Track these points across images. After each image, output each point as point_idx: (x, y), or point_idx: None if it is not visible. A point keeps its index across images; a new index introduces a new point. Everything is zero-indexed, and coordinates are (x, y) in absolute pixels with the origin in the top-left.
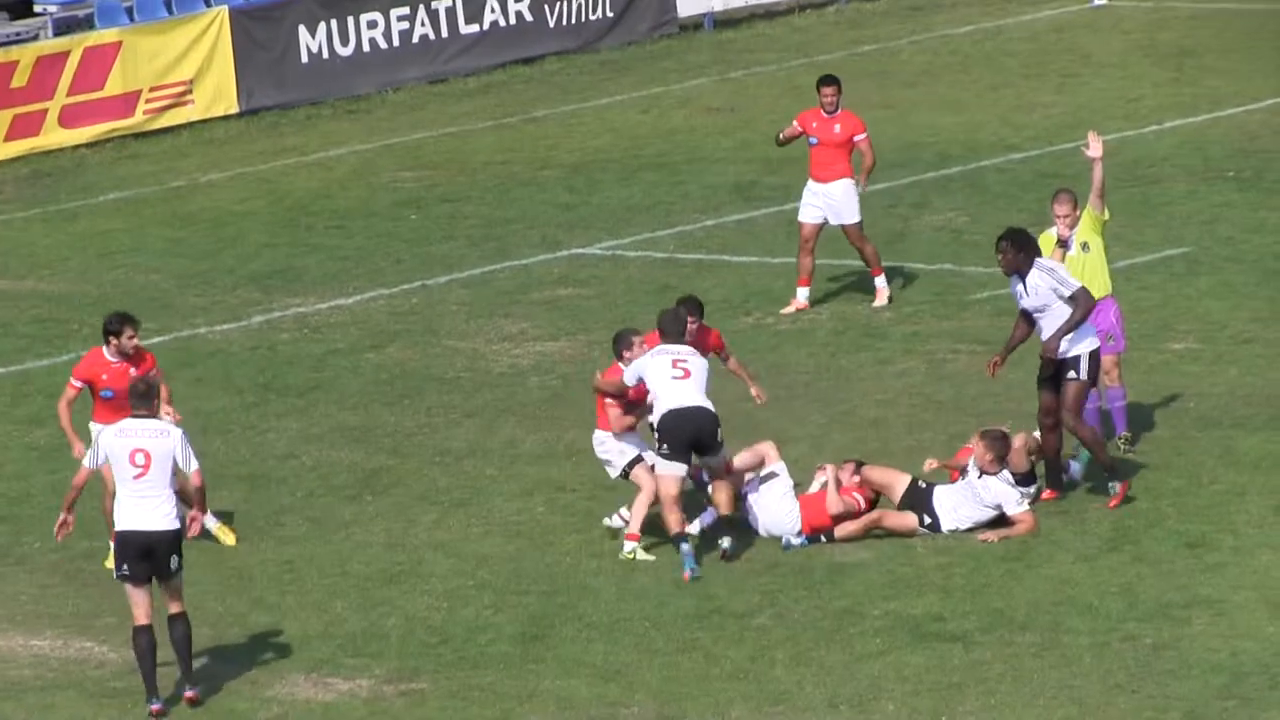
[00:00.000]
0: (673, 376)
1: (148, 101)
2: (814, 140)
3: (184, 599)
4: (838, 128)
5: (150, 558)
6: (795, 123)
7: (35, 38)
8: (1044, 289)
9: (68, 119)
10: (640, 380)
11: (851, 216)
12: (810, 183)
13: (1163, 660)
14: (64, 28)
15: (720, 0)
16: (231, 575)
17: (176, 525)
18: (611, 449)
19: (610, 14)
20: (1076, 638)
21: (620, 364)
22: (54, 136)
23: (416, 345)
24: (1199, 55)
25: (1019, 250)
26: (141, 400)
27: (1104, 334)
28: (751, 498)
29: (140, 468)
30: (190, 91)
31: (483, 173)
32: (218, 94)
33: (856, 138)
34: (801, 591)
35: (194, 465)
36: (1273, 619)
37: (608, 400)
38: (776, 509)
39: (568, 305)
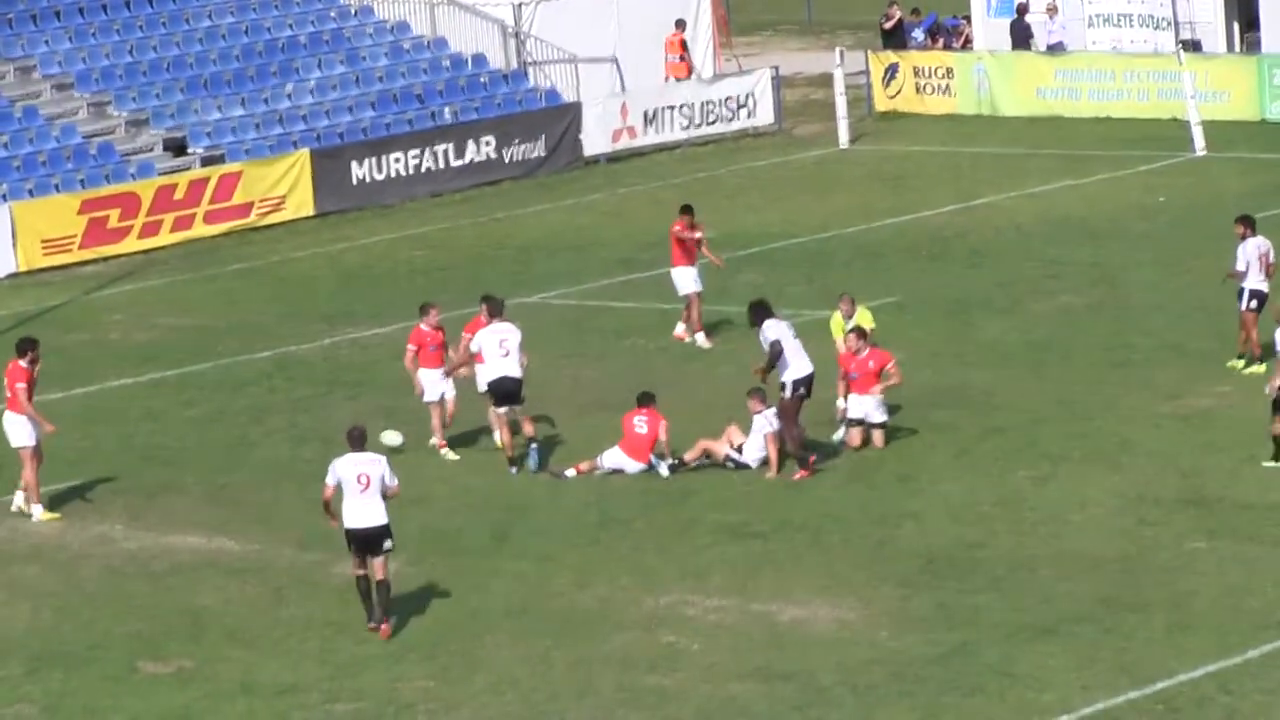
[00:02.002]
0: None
1: (258, 208)
2: (686, 237)
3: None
4: (695, 234)
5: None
6: (677, 226)
7: (189, 168)
8: (767, 338)
9: (209, 219)
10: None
11: (698, 285)
12: (674, 270)
13: (884, 549)
14: (208, 161)
15: (609, 146)
16: (307, 500)
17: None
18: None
19: (543, 154)
20: (831, 536)
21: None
22: (200, 230)
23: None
24: (906, 180)
25: (753, 313)
26: (356, 443)
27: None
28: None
29: (363, 485)
30: (284, 202)
31: (464, 252)
32: (301, 203)
33: (702, 242)
34: (664, 507)
35: (394, 481)
36: (954, 523)
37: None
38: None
39: (524, 332)
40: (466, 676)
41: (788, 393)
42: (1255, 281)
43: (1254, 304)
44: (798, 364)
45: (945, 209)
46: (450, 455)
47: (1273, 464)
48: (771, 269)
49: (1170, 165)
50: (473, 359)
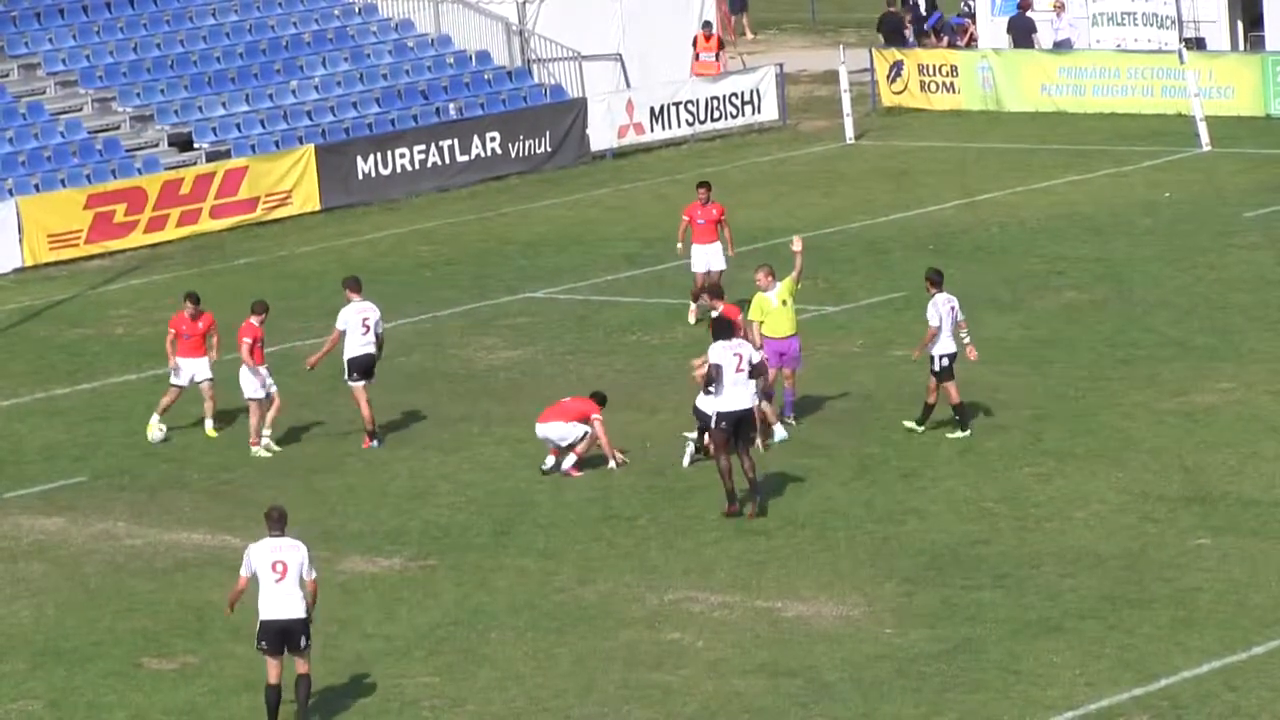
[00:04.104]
0: None
1: (264, 203)
2: (701, 220)
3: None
4: (712, 211)
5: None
6: (684, 215)
7: (195, 163)
8: (709, 359)
9: (215, 214)
10: None
11: (719, 265)
12: (695, 246)
13: (889, 546)
14: (213, 156)
15: (615, 141)
16: (312, 494)
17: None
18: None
19: (549, 149)
20: (835, 532)
21: None
22: (206, 224)
23: (429, 352)
24: (911, 175)
25: (711, 332)
26: (275, 525)
27: (791, 357)
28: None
29: (279, 574)
30: (290, 197)
31: (470, 247)
32: (307, 198)
33: (723, 217)
34: (668, 503)
35: (313, 574)
36: (958, 520)
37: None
38: None
39: (523, 328)
40: (470, 672)
41: (711, 423)
42: (946, 345)
43: (945, 363)
44: (730, 397)
45: (949, 204)
46: (263, 453)
47: (915, 426)
48: (776, 264)
49: (1175, 161)
50: (335, 335)
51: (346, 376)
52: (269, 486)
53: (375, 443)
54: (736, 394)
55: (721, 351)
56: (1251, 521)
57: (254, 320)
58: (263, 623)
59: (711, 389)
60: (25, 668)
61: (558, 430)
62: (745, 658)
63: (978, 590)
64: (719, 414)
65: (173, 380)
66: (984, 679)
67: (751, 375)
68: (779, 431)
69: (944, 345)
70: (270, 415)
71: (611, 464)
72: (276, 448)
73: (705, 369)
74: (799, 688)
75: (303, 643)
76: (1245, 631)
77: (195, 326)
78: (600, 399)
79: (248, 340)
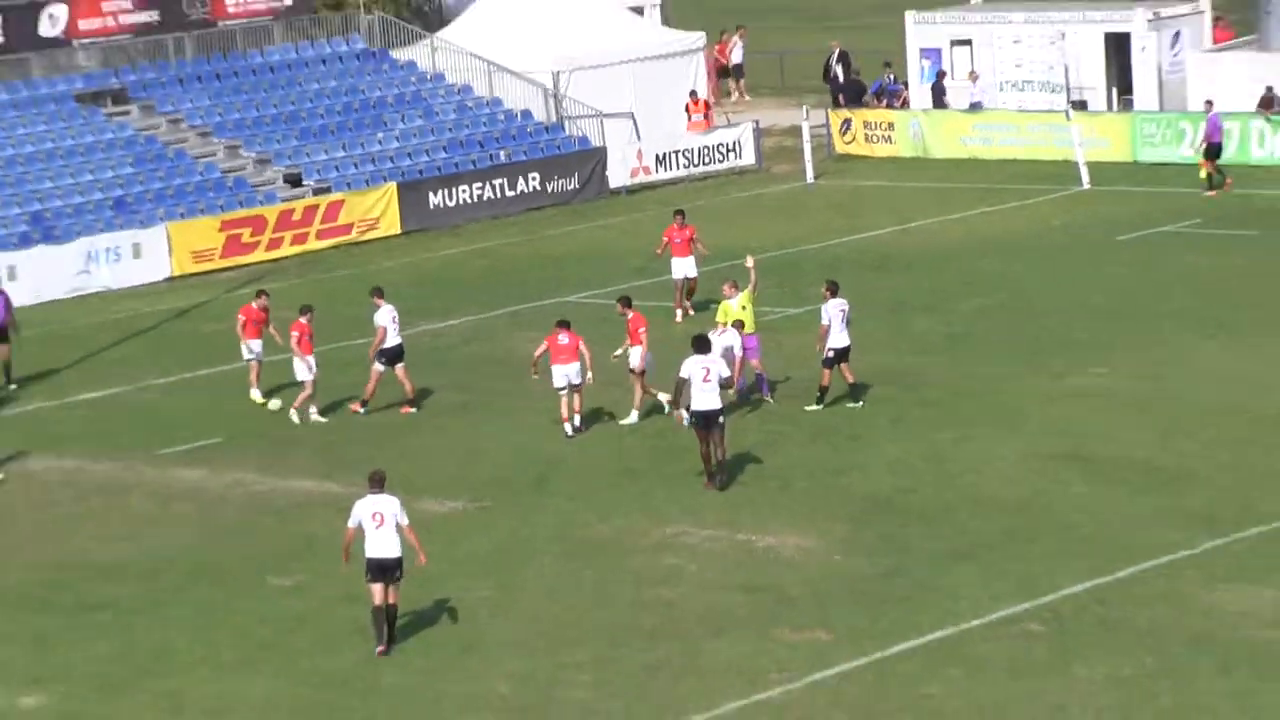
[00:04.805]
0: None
1: (357, 227)
2: (678, 240)
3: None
4: (685, 232)
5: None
6: (664, 236)
7: (303, 196)
8: (679, 373)
9: (319, 235)
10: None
11: (693, 274)
12: (674, 260)
13: (837, 493)
14: (318, 191)
15: (628, 180)
16: (395, 452)
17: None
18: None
19: (577, 186)
20: (797, 483)
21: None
22: (312, 244)
23: (485, 341)
24: (858, 207)
25: (693, 345)
26: (376, 485)
27: (752, 350)
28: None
29: (378, 522)
30: (377, 223)
31: (516, 262)
32: (390, 224)
33: (695, 236)
34: (669, 460)
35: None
36: (891, 474)
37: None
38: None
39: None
40: (517, 589)
41: (685, 421)
42: (838, 340)
43: (831, 355)
44: (701, 400)
45: (887, 230)
46: (318, 419)
47: (815, 407)
48: (738, 278)
49: (1063, 196)
50: (382, 331)
51: (385, 363)
52: (362, 444)
53: (413, 409)
54: (705, 398)
55: (692, 365)
56: (1116, 475)
57: (303, 320)
58: (367, 559)
59: (679, 397)
60: (179, 582)
61: (575, 368)
62: (727, 577)
63: (906, 527)
64: (694, 412)
65: (246, 356)
66: (910, 594)
67: (723, 386)
68: (674, 410)
69: (836, 340)
70: (305, 395)
71: (591, 375)
72: (321, 418)
73: (642, 364)
74: (769, 600)
75: (396, 575)
76: (1111, 560)
77: (262, 316)
78: (566, 323)
79: (295, 334)
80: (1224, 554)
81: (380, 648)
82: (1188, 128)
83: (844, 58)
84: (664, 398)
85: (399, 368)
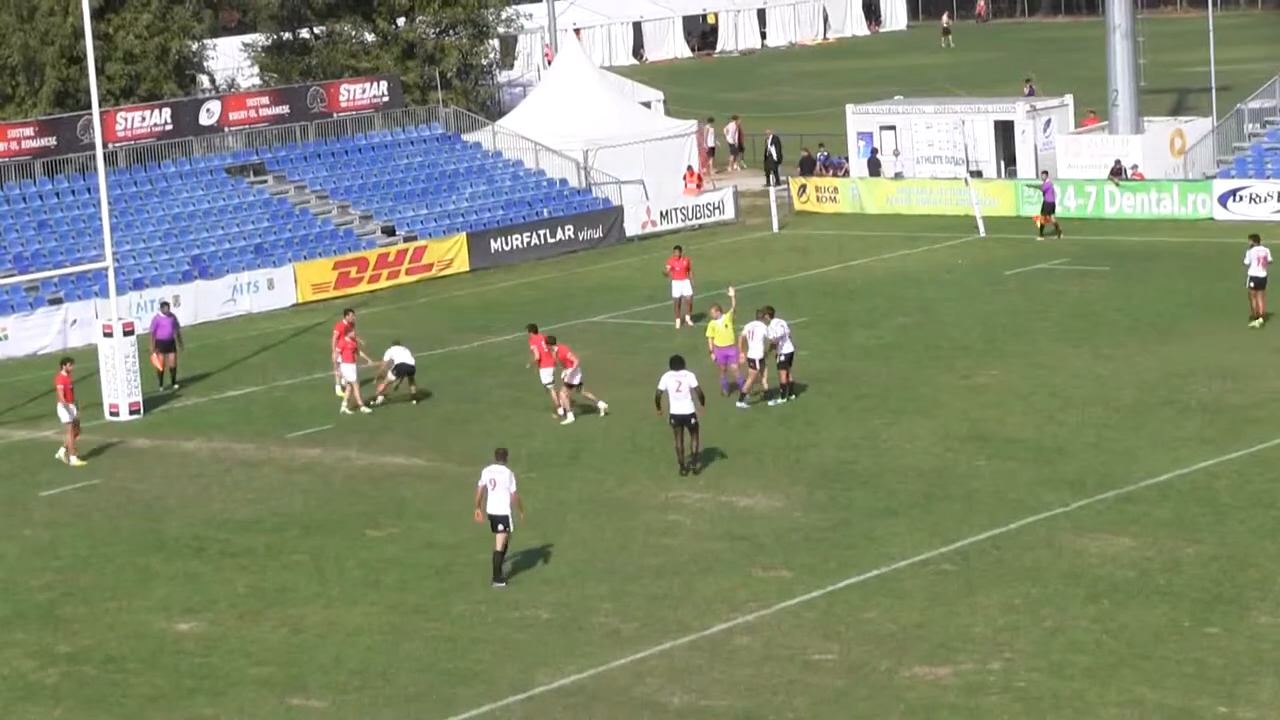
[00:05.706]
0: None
1: (437, 267)
2: (677, 268)
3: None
4: (682, 262)
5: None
6: (667, 265)
7: (395, 243)
8: (658, 385)
9: (409, 272)
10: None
11: (689, 293)
12: (674, 283)
13: (798, 465)
14: (407, 239)
15: (640, 230)
16: (461, 435)
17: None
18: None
19: (601, 235)
20: (766, 457)
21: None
22: (403, 279)
23: (525, 354)
24: (811, 250)
25: (670, 362)
26: (499, 457)
27: (732, 360)
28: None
29: (493, 486)
30: (451, 263)
31: (557, 292)
32: (461, 263)
33: (689, 265)
34: (669, 442)
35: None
36: (838, 450)
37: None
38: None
39: (586, 339)
40: (555, 539)
41: (670, 423)
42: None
43: (783, 359)
44: (676, 406)
45: (833, 267)
46: (365, 410)
47: (782, 401)
48: (723, 303)
49: (965, 242)
50: (385, 362)
51: (399, 375)
52: (441, 432)
53: (373, 404)
54: (680, 404)
55: (668, 379)
56: (1008, 451)
57: (344, 322)
58: (488, 514)
59: (659, 404)
60: (297, 535)
61: (570, 370)
62: (715, 529)
63: (849, 491)
64: (671, 415)
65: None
66: (853, 542)
67: (699, 398)
68: (602, 406)
69: (787, 347)
70: (349, 394)
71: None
72: (366, 409)
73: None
74: (746, 546)
75: (500, 527)
76: (1005, 515)
77: (346, 330)
78: (534, 327)
79: (344, 340)
80: (1090, 511)
81: (496, 581)
82: (1057, 190)
83: (776, 141)
84: (602, 406)
85: (406, 379)
